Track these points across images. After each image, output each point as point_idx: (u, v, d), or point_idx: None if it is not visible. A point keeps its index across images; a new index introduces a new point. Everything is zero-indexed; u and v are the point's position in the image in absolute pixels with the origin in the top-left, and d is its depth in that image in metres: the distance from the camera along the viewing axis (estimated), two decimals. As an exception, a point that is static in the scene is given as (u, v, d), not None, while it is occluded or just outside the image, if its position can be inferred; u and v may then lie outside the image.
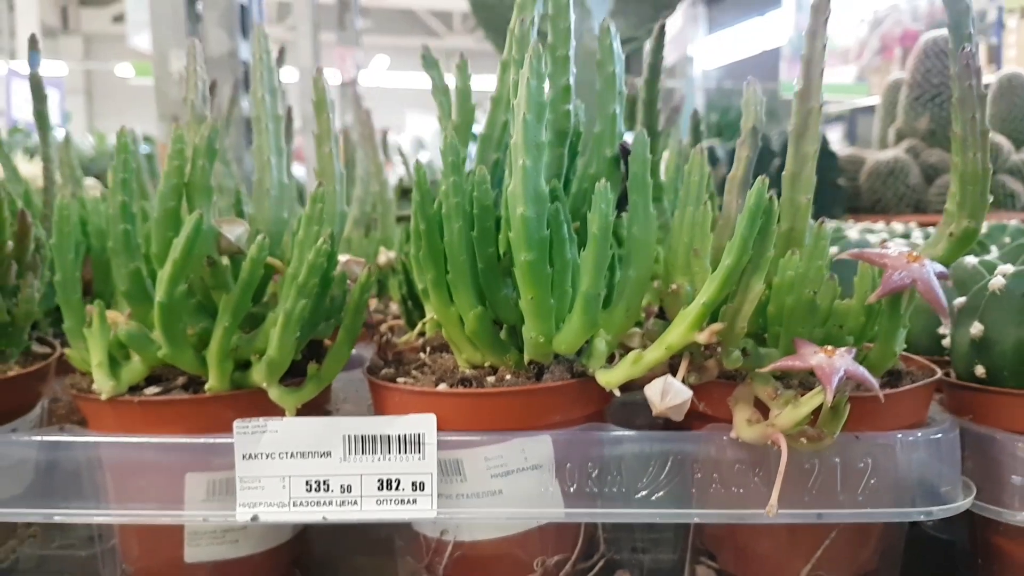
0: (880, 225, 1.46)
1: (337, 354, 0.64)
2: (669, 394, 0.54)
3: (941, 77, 1.82)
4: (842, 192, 1.86)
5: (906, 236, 1.29)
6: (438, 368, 0.67)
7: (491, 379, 0.64)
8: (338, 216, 0.68)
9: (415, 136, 8.08)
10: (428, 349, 0.74)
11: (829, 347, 0.55)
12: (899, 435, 0.61)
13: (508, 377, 0.64)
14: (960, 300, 0.75)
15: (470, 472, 0.62)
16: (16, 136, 3.23)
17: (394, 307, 0.97)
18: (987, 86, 2.17)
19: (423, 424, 0.60)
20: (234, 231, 0.64)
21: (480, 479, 0.62)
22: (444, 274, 0.62)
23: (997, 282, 0.69)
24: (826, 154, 1.84)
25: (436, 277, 0.63)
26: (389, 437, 0.60)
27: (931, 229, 1.47)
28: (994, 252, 1.07)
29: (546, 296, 0.59)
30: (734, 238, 0.55)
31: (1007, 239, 1.35)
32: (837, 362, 0.54)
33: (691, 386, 0.61)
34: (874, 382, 0.54)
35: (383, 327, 0.75)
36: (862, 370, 0.54)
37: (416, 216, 0.62)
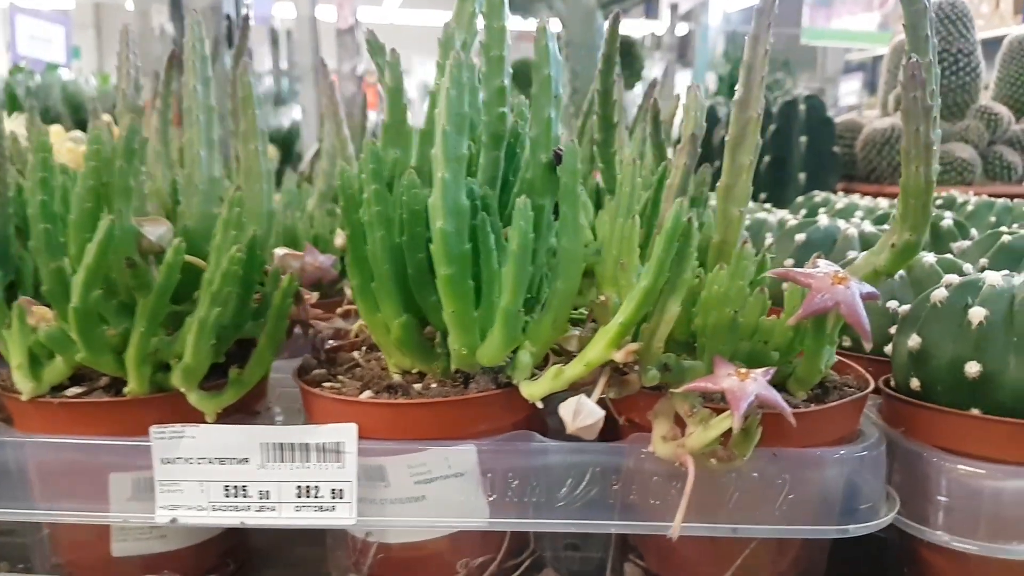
0: (867, 201, 1.45)
1: (259, 359, 0.65)
2: (581, 414, 0.56)
3: (943, 43, 1.79)
4: (837, 160, 1.84)
5: (893, 208, 1.29)
6: (368, 372, 0.69)
7: (418, 386, 0.66)
8: (266, 216, 0.68)
9: (422, 81, 7.85)
10: (364, 348, 0.75)
11: (743, 369, 0.56)
12: (818, 452, 0.62)
13: (434, 386, 0.65)
14: (904, 308, 0.76)
15: (393, 478, 0.64)
16: (17, 76, 3.18)
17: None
18: (1000, 40, 2.11)
19: (343, 433, 0.62)
20: (156, 231, 0.65)
21: (403, 485, 0.64)
22: (369, 282, 0.63)
23: (939, 294, 0.70)
24: (823, 121, 1.82)
25: (361, 284, 0.64)
26: (307, 445, 0.62)
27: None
28: (963, 244, 1.07)
29: (467, 310, 0.60)
30: (651, 259, 0.56)
31: (992, 218, 1.34)
32: (749, 386, 0.55)
33: (613, 400, 0.63)
34: (786, 408, 0.55)
35: (338, 311, 0.77)
36: (774, 395, 0.55)
37: (343, 222, 0.63)
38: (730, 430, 0.57)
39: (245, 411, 0.69)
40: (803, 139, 1.75)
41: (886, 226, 1.14)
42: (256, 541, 0.80)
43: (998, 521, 0.63)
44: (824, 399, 0.66)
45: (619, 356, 0.57)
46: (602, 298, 0.64)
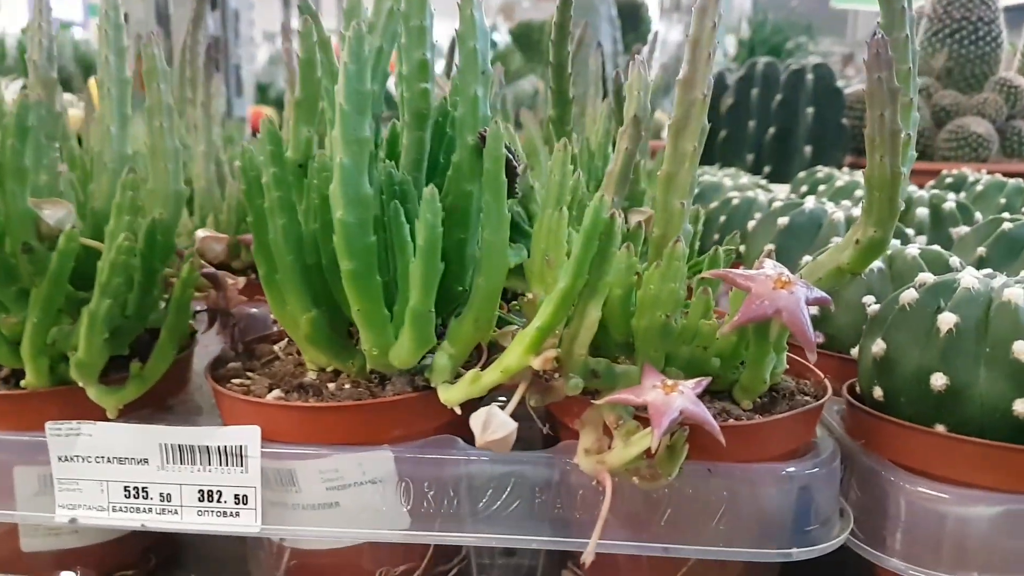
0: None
1: (161, 353, 0.62)
2: (491, 426, 0.51)
3: (963, 11, 1.69)
4: (846, 133, 1.76)
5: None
6: (282, 368, 0.65)
7: (332, 386, 0.62)
8: (173, 197, 0.64)
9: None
10: (287, 340, 0.71)
11: (670, 381, 0.52)
12: (757, 468, 0.58)
13: (347, 387, 0.61)
14: (873, 307, 0.70)
15: (304, 483, 0.60)
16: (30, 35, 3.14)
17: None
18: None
19: (246, 436, 0.58)
20: (56, 214, 0.61)
21: (315, 491, 0.60)
22: (274, 273, 0.59)
23: (908, 295, 0.64)
24: (832, 91, 1.73)
25: (267, 275, 0.60)
26: (209, 448, 0.58)
27: (931, 184, 1.39)
28: (963, 230, 1.01)
29: (375, 308, 0.56)
30: (569, 260, 0.51)
31: (1001, 200, 1.26)
32: (674, 400, 0.51)
33: (552, 404, 0.58)
34: (714, 425, 0.50)
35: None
36: (702, 411, 0.51)
37: (247, 207, 0.58)
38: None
39: (155, 405, 0.66)
40: (810, 110, 1.67)
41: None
42: (182, 536, 0.77)
43: (961, 551, 0.57)
44: (772, 408, 0.61)
45: (537, 363, 0.53)
46: (529, 296, 0.60)
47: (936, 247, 0.83)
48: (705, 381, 0.54)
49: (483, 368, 0.64)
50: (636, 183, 0.90)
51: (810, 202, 1.03)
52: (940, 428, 0.60)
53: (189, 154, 1.05)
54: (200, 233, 0.69)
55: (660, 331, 0.55)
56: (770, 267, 0.55)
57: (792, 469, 0.58)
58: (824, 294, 0.55)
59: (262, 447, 0.59)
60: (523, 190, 0.84)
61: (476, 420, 0.52)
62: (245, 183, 0.57)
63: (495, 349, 0.69)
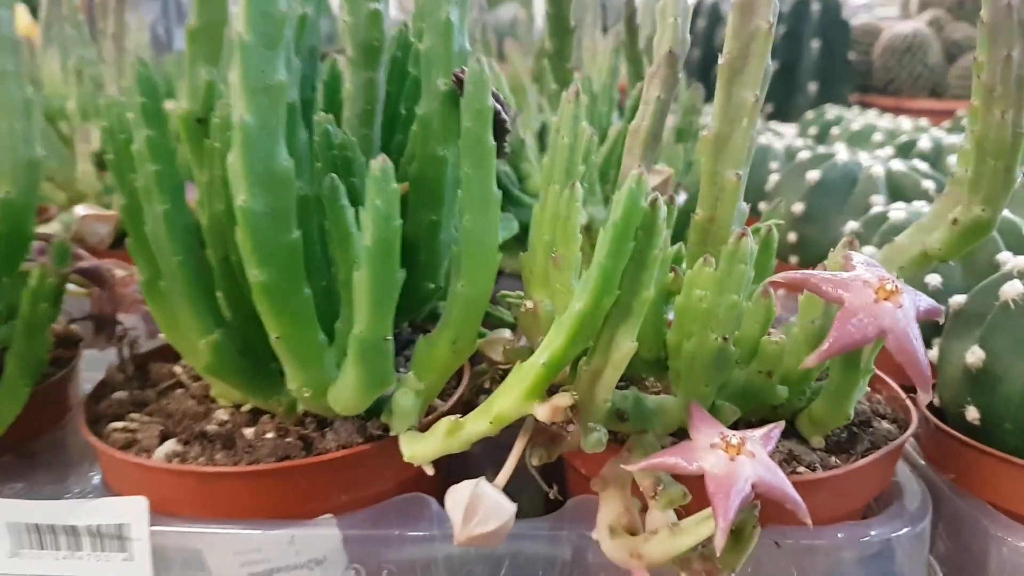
0: (887, 121, 1.23)
1: (8, 392, 0.45)
2: (479, 514, 0.36)
3: (981, -71, 1.53)
4: (852, 69, 1.61)
5: (920, 133, 1.08)
6: (183, 403, 0.49)
7: (250, 432, 0.46)
8: (23, 167, 0.46)
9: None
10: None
11: (732, 437, 0.37)
12: (839, 537, 0.44)
13: (270, 435, 0.45)
14: (958, 300, 0.56)
15: (216, 568, 0.45)
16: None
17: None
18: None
19: (127, 511, 0.43)
20: None
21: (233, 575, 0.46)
22: (157, 279, 0.43)
23: (1013, 288, 0.50)
24: (837, 24, 1.58)
25: (149, 280, 0.43)
26: (76, 529, 0.43)
27: (946, 125, 1.25)
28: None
29: (303, 334, 0.40)
30: (591, 268, 0.35)
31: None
32: (743, 468, 0.36)
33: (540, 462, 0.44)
34: (798, 501, 0.36)
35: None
36: (781, 482, 0.36)
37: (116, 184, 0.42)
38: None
39: (14, 451, 0.49)
40: (815, 44, 1.51)
41: (917, 162, 0.94)
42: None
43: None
44: (850, 446, 0.47)
45: (542, 414, 0.38)
46: (529, 304, 0.44)
47: (1008, 213, 0.69)
48: (778, 429, 0.40)
49: (462, 398, 0.49)
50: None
51: (842, 153, 0.89)
52: (1063, 467, 0.46)
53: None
54: (79, 211, 0.52)
55: (714, 359, 0.40)
56: (862, 266, 0.40)
57: (875, 533, 0.45)
58: (935, 303, 0.40)
59: (152, 524, 0.43)
60: (512, 145, 0.68)
61: (455, 502, 0.37)
62: (112, 151, 0.40)
63: (479, 360, 0.54)
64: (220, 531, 0.43)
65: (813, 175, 0.86)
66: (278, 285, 0.38)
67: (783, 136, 1.21)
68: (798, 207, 0.86)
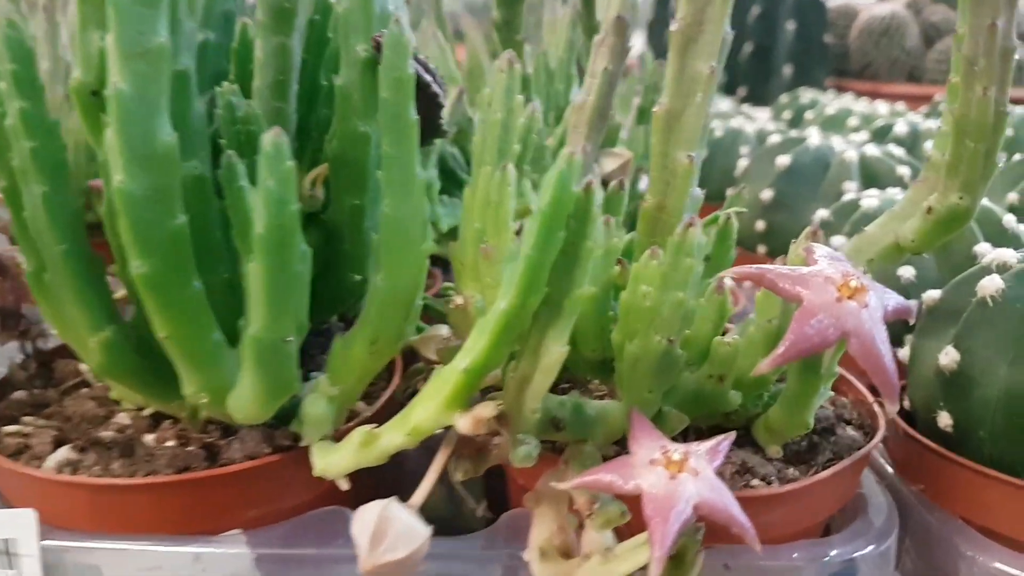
0: (863, 105, 1.20)
1: None
2: (387, 538, 0.32)
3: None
4: (828, 51, 1.57)
5: (896, 118, 1.04)
6: (83, 404, 0.44)
7: (151, 438, 0.41)
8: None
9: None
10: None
11: (675, 451, 0.33)
12: (796, 555, 0.40)
13: (171, 442, 0.41)
14: (932, 295, 0.53)
15: (118, 585, 0.41)
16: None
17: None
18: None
19: (14, 525, 0.38)
20: None
21: None
22: (42, 271, 0.38)
23: (991, 284, 0.46)
24: (813, 6, 1.54)
25: (35, 271, 0.38)
26: (-52, 549, 0.38)
27: (924, 110, 1.21)
28: None
29: (194, 332, 0.35)
30: (516, 262, 0.31)
31: (1008, 132, 1.10)
32: (684, 488, 0.32)
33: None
34: (747, 526, 0.32)
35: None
36: (727, 500, 0.33)
37: None
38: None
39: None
40: (791, 25, 1.47)
41: (892, 147, 0.90)
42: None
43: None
44: (810, 456, 0.43)
45: (464, 426, 0.34)
46: (458, 300, 0.40)
47: (986, 202, 0.65)
48: (727, 442, 0.36)
49: (391, 402, 0.45)
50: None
51: (814, 137, 0.85)
52: (1039, 479, 0.43)
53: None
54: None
55: (658, 363, 0.36)
56: (826, 260, 0.36)
57: (836, 552, 0.41)
58: (905, 301, 0.36)
59: (45, 538, 0.39)
60: (459, 123, 0.63)
61: (362, 525, 0.33)
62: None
63: (415, 358, 0.49)
64: (117, 547, 0.39)
65: (783, 160, 0.82)
66: (162, 277, 0.33)
67: (755, 120, 1.17)
68: (767, 194, 0.82)
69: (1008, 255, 0.49)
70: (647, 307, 0.36)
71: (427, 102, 0.44)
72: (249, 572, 0.41)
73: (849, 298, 0.34)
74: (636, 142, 0.67)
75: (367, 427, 0.36)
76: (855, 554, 0.41)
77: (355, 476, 0.38)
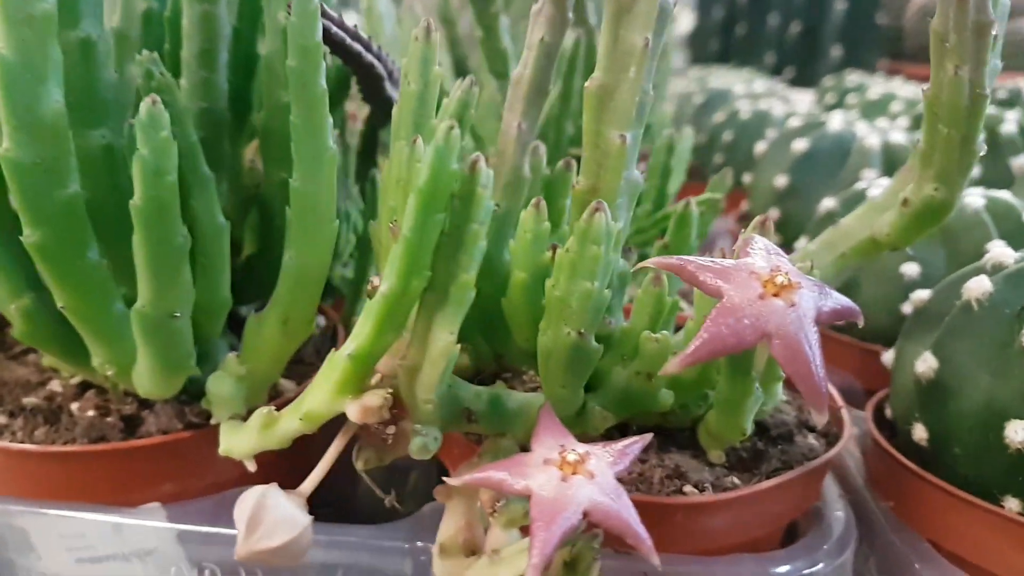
0: (910, 90, 1.12)
1: None
2: (263, 525, 0.31)
3: None
4: (880, 33, 1.49)
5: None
6: (19, 369, 0.44)
7: (76, 407, 0.41)
8: None
9: None
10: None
11: (573, 452, 0.31)
12: (720, 567, 0.38)
13: (91, 412, 0.40)
14: (921, 295, 0.49)
15: (43, 549, 0.41)
16: None
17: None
18: None
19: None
20: None
21: (59, 560, 0.42)
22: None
23: (977, 286, 0.42)
24: (867, -17, 1.46)
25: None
26: None
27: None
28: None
29: (92, 304, 0.35)
30: (398, 242, 0.29)
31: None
32: (576, 492, 0.30)
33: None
34: (641, 535, 0.30)
35: None
36: (622, 507, 0.30)
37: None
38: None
39: None
40: (841, 5, 1.40)
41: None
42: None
43: None
44: (755, 463, 0.40)
45: (354, 414, 0.32)
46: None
47: (1005, 195, 0.60)
48: (640, 443, 0.33)
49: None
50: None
51: (836, 121, 0.80)
52: (1013, 504, 0.39)
53: None
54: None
55: (568, 356, 0.34)
56: (761, 253, 0.33)
57: (782, 569, 0.38)
58: (849, 304, 0.33)
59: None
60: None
61: (240, 509, 0.32)
62: None
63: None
64: (39, 511, 0.39)
65: (799, 145, 0.77)
66: (55, 247, 0.33)
67: (790, 102, 1.11)
68: (781, 180, 0.78)
69: (1005, 255, 0.44)
70: (556, 297, 0.33)
71: (364, 73, 0.43)
72: (171, 547, 0.41)
73: (775, 295, 0.31)
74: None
75: (267, 409, 0.35)
76: (803, 571, 0.38)
77: (298, 458, 0.37)
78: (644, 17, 0.35)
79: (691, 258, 0.33)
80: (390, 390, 0.32)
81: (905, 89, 1.12)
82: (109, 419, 0.40)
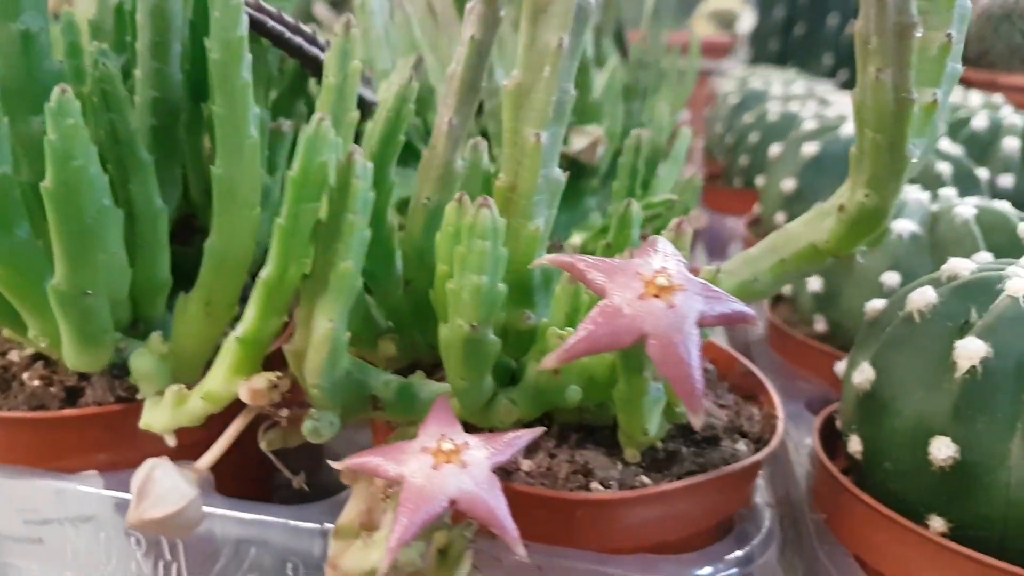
0: (957, 95, 1.08)
1: None
2: (150, 496, 0.33)
3: None
4: (946, 35, 1.43)
5: (987, 110, 0.93)
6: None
7: (27, 376, 0.44)
8: None
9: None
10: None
11: (451, 441, 0.32)
12: (633, 566, 0.38)
13: (36, 382, 0.43)
14: (875, 305, 0.47)
15: (-2, 511, 0.44)
16: None
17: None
18: None
19: None
20: None
21: (11, 521, 0.45)
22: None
23: (920, 298, 0.41)
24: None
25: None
26: None
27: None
28: None
29: (21, 279, 0.37)
30: (274, 233, 0.31)
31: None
32: (444, 479, 0.31)
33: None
34: (506, 525, 0.30)
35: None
36: (491, 497, 0.31)
37: None
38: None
39: None
40: (895, 3, 1.34)
41: (945, 141, 0.81)
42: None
43: None
44: (667, 464, 0.40)
45: (244, 395, 0.33)
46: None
47: (1001, 205, 0.58)
48: (528, 436, 0.34)
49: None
50: (585, 90, 0.67)
51: (850, 124, 0.77)
52: (938, 523, 0.38)
53: None
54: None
55: (464, 349, 0.34)
56: (658, 255, 0.33)
57: (688, 572, 0.38)
58: (743, 309, 0.33)
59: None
60: (420, 93, 0.62)
61: (134, 479, 0.34)
62: None
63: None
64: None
65: (810, 148, 0.76)
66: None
67: (830, 104, 1.08)
68: (788, 184, 0.76)
69: (961, 266, 0.43)
70: (451, 290, 0.34)
71: (312, 65, 0.44)
72: (109, 515, 0.43)
73: (655, 296, 0.31)
74: (615, 119, 0.64)
75: (177, 387, 0.37)
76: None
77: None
78: (560, 17, 0.35)
79: (582, 256, 0.33)
80: (279, 374, 0.34)
81: (952, 95, 1.08)
82: (52, 389, 0.42)
